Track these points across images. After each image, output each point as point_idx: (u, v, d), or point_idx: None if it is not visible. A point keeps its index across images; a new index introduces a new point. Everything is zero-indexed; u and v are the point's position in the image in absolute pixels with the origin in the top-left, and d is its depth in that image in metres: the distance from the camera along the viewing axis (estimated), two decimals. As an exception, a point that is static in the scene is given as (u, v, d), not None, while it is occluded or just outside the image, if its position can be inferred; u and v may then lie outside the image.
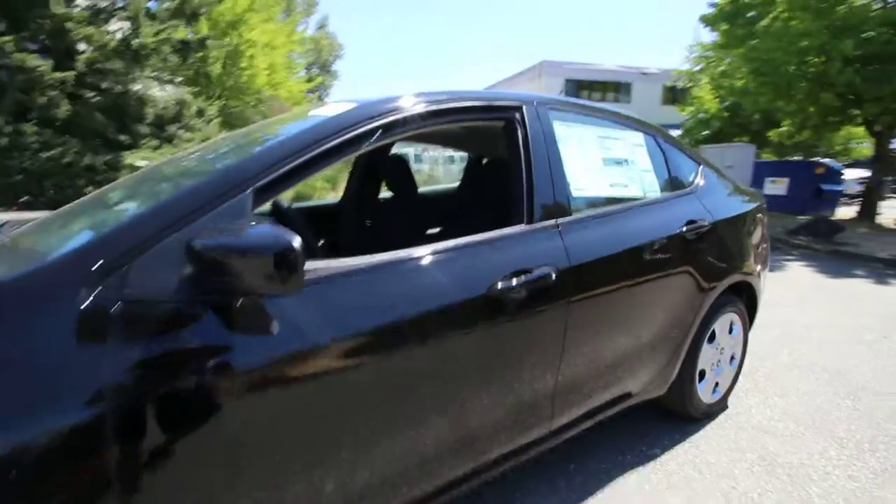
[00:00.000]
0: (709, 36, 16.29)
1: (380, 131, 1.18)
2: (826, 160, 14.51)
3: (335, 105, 1.29)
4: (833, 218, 8.74)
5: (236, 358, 0.89)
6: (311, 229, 2.54)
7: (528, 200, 1.40)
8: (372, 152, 2.67)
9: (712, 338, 2.05)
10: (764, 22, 9.61)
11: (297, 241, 0.82)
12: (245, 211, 0.97)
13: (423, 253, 1.17)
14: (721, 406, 2.23)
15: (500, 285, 1.23)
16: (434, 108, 1.30)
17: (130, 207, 1.22)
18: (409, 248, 1.16)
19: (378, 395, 1.08)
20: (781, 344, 3.10)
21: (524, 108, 1.48)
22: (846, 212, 10.49)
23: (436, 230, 2.63)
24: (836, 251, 6.57)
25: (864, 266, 5.81)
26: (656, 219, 1.74)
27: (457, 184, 2.98)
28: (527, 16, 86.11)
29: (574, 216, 1.47)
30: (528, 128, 1.45)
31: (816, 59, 8.57)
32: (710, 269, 1.89)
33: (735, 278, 2.01)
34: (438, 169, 14.79)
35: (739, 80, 12.66)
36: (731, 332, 2.16)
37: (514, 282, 1.25)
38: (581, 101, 1.78)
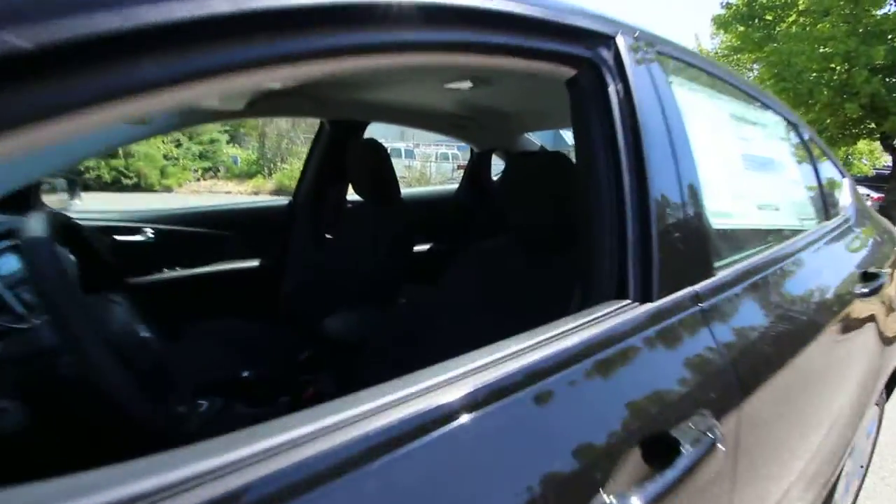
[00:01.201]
0: (711, 43, 15.86)
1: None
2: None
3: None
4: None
5: None
6: (210, 248, 1.66)
7: (642, 248, 0.59)
8: (336, 136, 1.87)
9: (852, 448, 1.31)
10: (784, 25, 9.08)
11: None
12: None
13: (400, 416, 0.36)
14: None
15: (609, 500, 0.45)
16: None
17: None
18: (368, 396, 0.36)
19: None
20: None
21: (620, 39, 0.67)
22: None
23: (425, 247, 1.94)
24: (866, 276, 5.96)
25: (901, 296, 5.20)
26: (825, 270, 0.97)
27: (454, 186, 2.23)
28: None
29: (719, 275, 0.70)
30: (631, 83, 0.66)
31: (840, 67, 8.05)
32: (883, 348, 1.13)
33: (902, 359, 1.27)
34: (431, 167, 13.87)
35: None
36: (867, 433, 1.43)
37: (636, 498, 0.45)
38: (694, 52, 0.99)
